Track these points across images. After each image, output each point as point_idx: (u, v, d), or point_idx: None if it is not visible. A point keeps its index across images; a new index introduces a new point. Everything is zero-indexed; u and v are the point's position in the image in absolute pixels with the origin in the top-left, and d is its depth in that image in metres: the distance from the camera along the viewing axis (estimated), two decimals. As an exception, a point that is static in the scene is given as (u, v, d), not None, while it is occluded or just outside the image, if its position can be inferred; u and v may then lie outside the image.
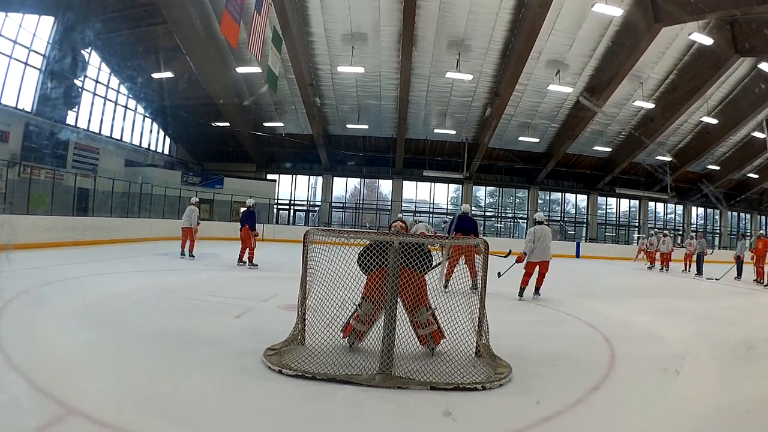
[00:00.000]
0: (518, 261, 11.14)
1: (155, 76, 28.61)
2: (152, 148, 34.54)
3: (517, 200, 41.33)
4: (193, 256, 15.86)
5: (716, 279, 18.61)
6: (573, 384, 5.20)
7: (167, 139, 36.36)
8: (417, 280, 5.67)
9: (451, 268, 10.67)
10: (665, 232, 25.05)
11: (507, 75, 27.22)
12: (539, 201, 40.95)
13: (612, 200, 42.53)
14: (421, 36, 25.69)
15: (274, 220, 36.53)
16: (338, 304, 5.68)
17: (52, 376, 4.46)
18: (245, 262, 15.07)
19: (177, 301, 8.91)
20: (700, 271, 20.81)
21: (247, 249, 15.16)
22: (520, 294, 11.18)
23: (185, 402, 4.28)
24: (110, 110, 29.80)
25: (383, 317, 5.33)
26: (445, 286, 8.87)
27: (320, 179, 39.54)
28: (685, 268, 22.75)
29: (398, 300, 5.40)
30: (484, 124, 32.59)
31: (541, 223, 11.66)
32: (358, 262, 5.81)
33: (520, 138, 34.50)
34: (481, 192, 41.00)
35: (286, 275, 11.80)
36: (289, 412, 4.25)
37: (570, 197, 41.84)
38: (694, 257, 21.80)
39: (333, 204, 39.57)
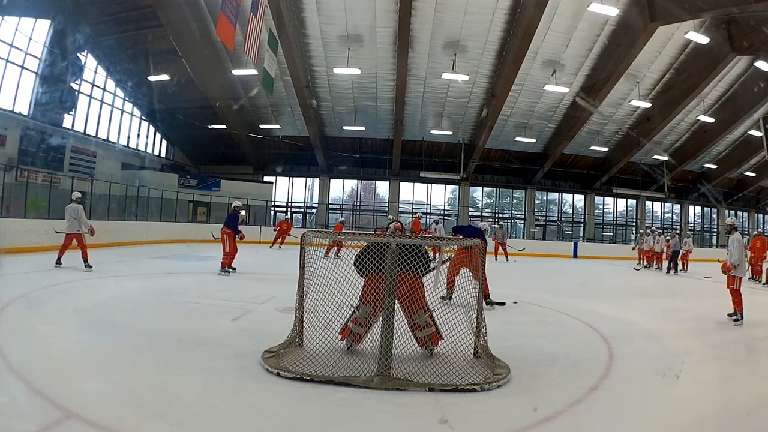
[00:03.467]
0: (724, 270, 9.97)
1: (151, 78, 28.57)
2: (149, 151, 34.46)
3: (514, 201, 41.33)
4: (90, 267, 12.66)
5: (709, 277, 18.69)
6: (572, 384, 5.22)
7: (164, 142, 36.30)
8: (415, 283, 5.68)
9: (452, 278, 9.01)
10: (660, 231, 25.08)
11: (503, 75, 27.19)
12: (536, 201, 40.91)
13: (609, 200, 42.52)
14: (416, 37, 25.67)
15: (272, 223, 36.45)
16: (336, 306, 5.69)
17: (50, 380, 4.46)
18: (234, 268, 14.53)
19: (175, 304, 8.91)
20: (675, 269, 20.96)
21: (227, 253, 14.45)
22: (741, 315, 9.36)
23: (184, 404, 4.29)
24: (107, 113, 29.76)
25: (381, 319, 5.34)
26: (450, 298, 8.61)
27: (317, 181, 39.44)
28: (659, 264, 22.97)
29: (396, 302, 5.41)
30: (480, 124, 32.57)
31: (737, 229, 9.91)
32: (354, 265, 5.82)
33: (517, 138, 34.44)
34: (477, 193, 40.99)
35: (284, 277, 11.82)
36: (287, 414, 4.26)
37: (567, 197, 41.84)
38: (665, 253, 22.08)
39: (330, 206, 39.52)
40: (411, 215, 37.48)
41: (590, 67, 27.68)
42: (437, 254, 8.67)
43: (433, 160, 36.75)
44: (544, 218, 41.47)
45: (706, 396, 5.18)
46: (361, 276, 5.81)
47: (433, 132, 34.16)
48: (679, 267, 22.05)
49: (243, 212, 15.24)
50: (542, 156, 36.68)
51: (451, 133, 34.21)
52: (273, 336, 6.13)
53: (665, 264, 23.44)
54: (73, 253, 12.61)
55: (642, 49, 24.48)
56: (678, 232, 25.82)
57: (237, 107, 31.51)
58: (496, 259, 23.29)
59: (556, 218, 41.86)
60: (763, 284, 17.10)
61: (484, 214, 40.63)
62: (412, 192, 39.66)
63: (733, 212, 44.08)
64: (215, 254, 19.33)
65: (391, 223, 6.94)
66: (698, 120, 32.15)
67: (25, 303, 7.86)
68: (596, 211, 41.92)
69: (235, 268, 14.61)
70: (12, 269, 10.60)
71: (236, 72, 27.58)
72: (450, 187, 39.89)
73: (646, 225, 35.69)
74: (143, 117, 33.13)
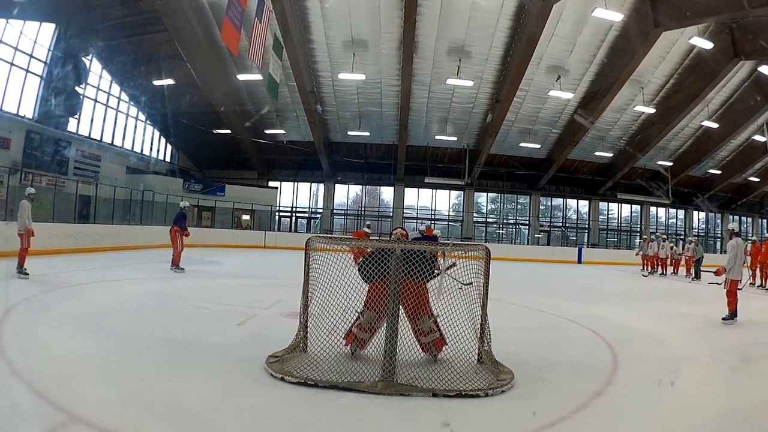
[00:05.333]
0: (717, 274, 10.42)
1: (156, 83, 28.65)
2: (153, 155, 34.58)
3: (519, 206, 41.27)
4: (27, 274, 10.82)
5: (718, 283, 18.60)
6: (575, 389, 5.21)
7: (169, 147, 36.39)
8: (419, 289, 5.68)
9: None
10: (664, 236, 25.06)
11: (508, 81, 27.19)
12: (541, 207, 40.93)
13: (613, 205, 42.49)
14: (421, 43, 25.71)
15: (276, 228, 36.51)
16: (340, 312, 5.69)
17: (54, 383, 4.47)
18: (182, 269, 14.53)
19: (179, 308, 8.92)
20: (698, 276, 20.84)
21: (175, 251, 14.63)
22: (733, 317, 9.85)
23: (187, 409, 4.29)
24: (111, 118, 29.84)
25: (385, 325, 5.35)
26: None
27: (322, 186, 39.47)
28: (688, 272, 22.81)
29: (400, 308, 5.42)
30: (485, 130, 32.55)
31: (738, 234, 10.50)
32: (359, 272, 5.82)
33: (522, 144, 34.45)
34: (482, 198, 40.95)
35: (288, 283, 11.81)
36: (291, 419, 4.26)
37: (572, 203, 41.81)
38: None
39: (335, 211, 39.55)
40: (416, 221, 37.52)
41: (594, 73, 27.69)
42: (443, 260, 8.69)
43: (438, 165, 36.70)
44: (549, 224, 41.44)
45: (708, 400, 5.17)
46: (366, 282, 5.82)
47: (437, 138, 34.17)
48: (683, 272, 22.04)
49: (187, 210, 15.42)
50: (547, 161, 36.68)
51: (455, 138, 34.19)
52: (277, 341, 6.13)
53: (669, 269, 23.46)
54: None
55: (646, 55, 24.48)
56: (691, 239, 25.68)
57: (242, 112, 31.55)
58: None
59: (561, 224, 41.80)
60: (767, 289, 17.08)
61: (489, 220, 40.63)
62: (416, 197, 39.67)
63: (737, 217, 44.07)
64: (220, 259, 19.41)
65: (395, 229, 6.92)
66: (702, 125, 32.18)
67: (29, 306, 7.87)
68: (600, 216, 41.88)
69: (183, 268, 14.61)
70: (15, 273, 10.62)
71: (241, 77, 27.62)
72: (454, 193, 39.89)
73: (651, 231, 35.62)
74: (148, 121, 33.23)
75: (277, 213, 38.05)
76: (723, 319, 9.85)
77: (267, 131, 34.30)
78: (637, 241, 37.65)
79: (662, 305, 12.73)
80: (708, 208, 40.95)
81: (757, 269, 18.29)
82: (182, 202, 16.02)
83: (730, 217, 42.94)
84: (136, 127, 32.37)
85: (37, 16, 22.51)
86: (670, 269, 23.55)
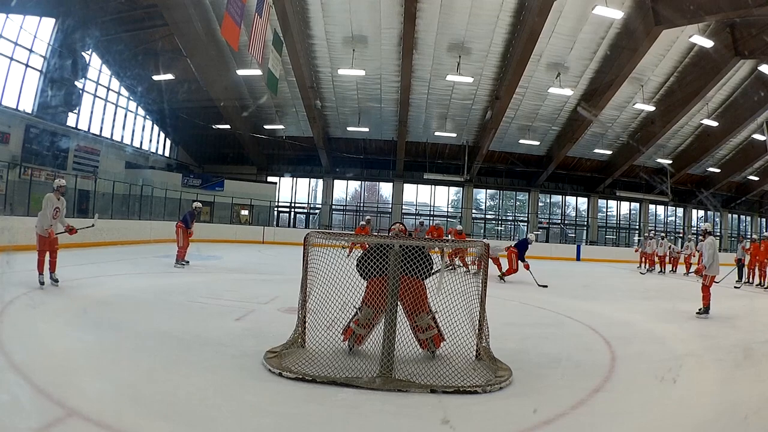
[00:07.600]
0: (697, 273, 10.75)
1: (156, 78, 28.61)
2: (153, 150, 34.55)
3: (518, 203, 41.24)
4: (56, 281, 9.34)
5: (716, 282, 18.58)
6: (574, 386, 5.21)
7: (168, 142, 36.36)
8: (417, 286, 5.67)
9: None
10: (662, 234, 25.06)
11: (507, 78, 27.14)
12: (540, 204, 40.90)
13: (612, 203, 42.44)
14: (421, 39, 25.67)
15: (275, 223, 36.51)
16: (338, 307, 5.69)
17: (52, 378, 4.47)
18: (187, 262, 14.68)
19: (177, 304, 8.92)
20: None
21: (179, 247, 14.73)
22: (707, 311, 10.32)
23: (185, 404, 4.29)
24: (111, 112, 29.82)
25: (383, 321, 5.35)
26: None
27: (321, 182, 39.44)
28: (687, 270, 22.79)
29: (398, 304, 5.41)
30: (484, 127, 32.53)
31: (711, 233, 10.91)
32: (357, 268, 5.82)
33: (521, 141, 34.44)
34: (481, 195, 40.90)
35: (287, 278, 11.82)
36: (289, 415, 4.25)
37: (570, 200, 41.75)
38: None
39: (333, 207, 39.54)
40: (414, 217, 37.46)
41: (594, 70, 27.64)
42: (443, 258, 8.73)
43: (437, 161, 36.76)
44: (548, 221, 41.41)
45: (707, 399, 5.16)
46: (364, 278, 5.82)
47: (437, 134, 34.16)
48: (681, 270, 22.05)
49: (198, 210, 15.65)
50: (546, 158, 36.65)
51: (455, 135, 34.18)
52: (275, 336, 6.14)
53: (668, 267, 23.47)
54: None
55: (646, 53, 24.41)
56: (690, 236, 25.68)
57: (241, 107, 31.51)
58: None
59: (560, 221, 41.79)
60: (765, 288, 17.07)
61: (488, 217, 40.60)
62: (415, 194, 39.64)
63: (736, 216, 44.11)
64: (218, 254, 19.40)
65: (394, 224, 6.88)
66: (702, 123, 32.13)
67: (28, 301, 7.86)
68: (599, 214, 41.84)
69: (188, 262, 14.73)
70: (15, 267, 10.60)
71: (241, 72, 27.58)
72: (453, 189, 39.85)
73: (650, 228, 35.60)
74: (147, 116, 33.19)
75: (275, 208, 38.02)
76: (697, 312, 10.28)
77: (266, 126, 34.23)
78: (636, 238, 37.65)
79: (661, 303, 12.73)
80: (712, 204, 40.92)
81: (756, 267, 18.25)
82: (195, 203, 16.17)
83: (703, 216, 42.90)
84: (135, 121, 32.33)
85: (37, 11, 22.49)
86: (668, 267, 23.59)
